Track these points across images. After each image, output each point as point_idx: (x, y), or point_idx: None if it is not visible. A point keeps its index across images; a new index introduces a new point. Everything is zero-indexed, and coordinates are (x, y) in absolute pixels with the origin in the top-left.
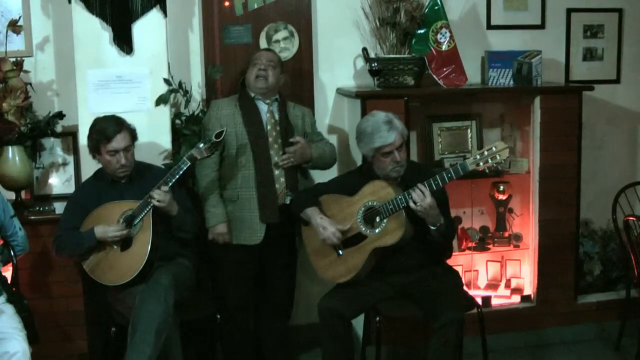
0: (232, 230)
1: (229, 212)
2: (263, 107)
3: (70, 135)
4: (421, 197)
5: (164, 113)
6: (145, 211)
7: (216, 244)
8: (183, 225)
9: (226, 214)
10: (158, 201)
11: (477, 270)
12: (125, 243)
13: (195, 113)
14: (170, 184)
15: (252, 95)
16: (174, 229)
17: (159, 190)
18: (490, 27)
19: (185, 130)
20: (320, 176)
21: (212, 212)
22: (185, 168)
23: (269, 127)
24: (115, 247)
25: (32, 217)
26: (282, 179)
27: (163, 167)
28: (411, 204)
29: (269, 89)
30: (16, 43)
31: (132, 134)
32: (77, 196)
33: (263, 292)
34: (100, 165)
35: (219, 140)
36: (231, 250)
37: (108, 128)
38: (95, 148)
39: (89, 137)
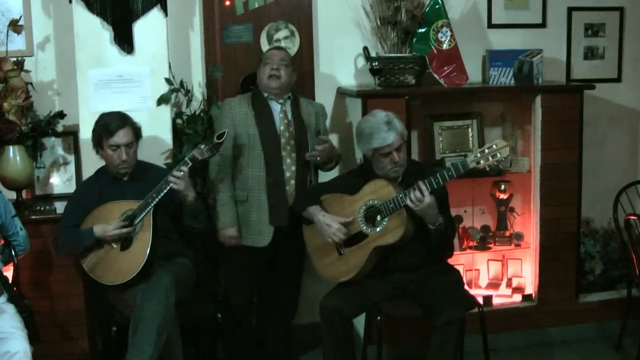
0: (241, 232)
1: (239, 213)
2: (276, 107)
3: (71, 134)
4: (419, 197)
5: (165, 112)
6: (146, 211)
7: (223, 246)
8: (198, 214)
9: (237, 217)
10: (175, 183)
11: (478, 270)
12: (125, 243)
13: (197, 112)
14: (189, 166)
15: (265, 95)
16: (189, 218)
17: (177, 172)
18: (491, 25)
19: (188, 129)
20: (323, 175)
21: (223, 214)
22: (186, 168)
23: (281, 128)
24: (115, 246)
25: (33, 217)
26: (293, 182)
27: (164, 166)
28: (409, 203)
29: (282, 88)
30: (17, 43)
31: (136, 132)
32: (78, 195)
33: (268, 292)
34: (101, 164)
35: (220, 141)
36: (238, 251)
37: (112, 123)
38: (98, 142)
39: (93, 131)
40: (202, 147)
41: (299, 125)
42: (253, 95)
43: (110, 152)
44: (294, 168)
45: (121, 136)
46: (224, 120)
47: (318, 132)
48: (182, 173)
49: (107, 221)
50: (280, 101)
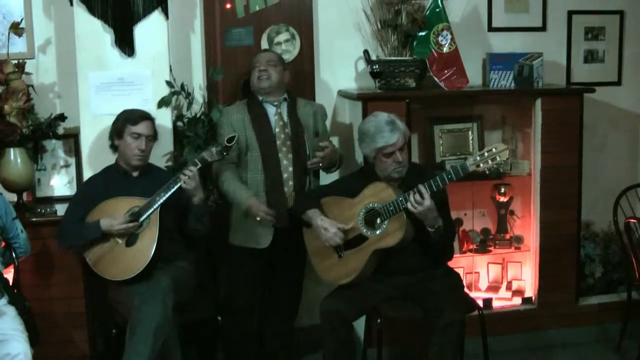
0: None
1: (239, 215)
2: (271, 109)
3: (71, 137)
4: (419, 200)
5: (166, 115)
6: (153, 208)
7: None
8: (202, 216)
9: (251, 191)
10: (185, 182)
11: (478, 272)
12: (130, 239)
13: (198, 115)
14: (198, 167)
15: (261, 98)
16: (194, 219)
17: (187, 171)
18: (491, 29)
19: (189, 132)
20: (324, 177)
21: (238, 194)
22: (195, 168)
23: (277, 130)
24: (120, 241)
25: (34, 219)
26: (291, 183)
27: (166, 169)
28: (409, 206)
29: (273, 87)
30: (18, 45)
31: (155, 130)
32: (84, 189)
33: (270, 294)
34: (102, 167)
35: (230, 145)
36: (239, 253)
37: (136, 113)
38: (119, 131)
39: (115, 122)
40: (213, 149)
41: (295, 126)
42: (249, 100)
43: (131, 140)
44: (291, 169)
45: (144, 127)
46: (224, 127)
47: (317, 133)
48: (192, 173)
49: (113, 216)
50: (275, 103)
